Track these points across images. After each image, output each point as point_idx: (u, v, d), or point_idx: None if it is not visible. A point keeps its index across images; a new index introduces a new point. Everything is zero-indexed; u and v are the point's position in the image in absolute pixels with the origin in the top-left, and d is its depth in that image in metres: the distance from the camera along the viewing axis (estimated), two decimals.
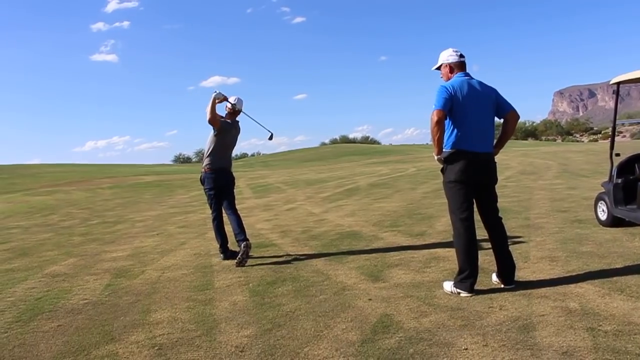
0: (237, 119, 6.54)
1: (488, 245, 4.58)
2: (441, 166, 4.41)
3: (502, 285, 4.33)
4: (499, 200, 4.52)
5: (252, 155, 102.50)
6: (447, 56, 4.43)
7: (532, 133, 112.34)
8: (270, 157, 70.78)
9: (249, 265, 5.96)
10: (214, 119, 6.11)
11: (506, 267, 4.35)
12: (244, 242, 5.99)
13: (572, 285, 4.19)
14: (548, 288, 4.17)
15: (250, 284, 5.11)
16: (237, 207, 6.47)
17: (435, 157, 4.36)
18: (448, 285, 4.34)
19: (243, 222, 6.26)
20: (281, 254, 6.53)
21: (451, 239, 5.79)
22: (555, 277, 4.50)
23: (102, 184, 25.71)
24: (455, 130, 4.21)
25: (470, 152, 4.20)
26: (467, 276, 4.20)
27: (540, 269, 4.82)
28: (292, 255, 6.39)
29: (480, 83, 4.36)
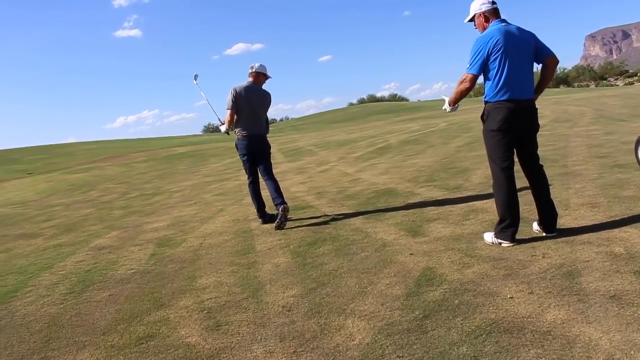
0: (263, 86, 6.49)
1: (528, 194, 4.52)
2: (481, 114, 4.35)
3: (544, 234, 4.29)
4: None
5: (281, 120, 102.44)
6: (480, 5, 4.29)
7: (564, 80, 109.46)
8: (300, 121, 70.84)
9: (287, 228, 6.03)
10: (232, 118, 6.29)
11: (548, 215, 4.31)
12: (282, 206, 6.05)
13: (616, 230, 4.13)
14: (591, 234, 4.12)
15: (291, 246, 5.18)
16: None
17: (448, 107, 4.49)
18: (489, 236, 4.33)
19: (280, 186, 6.30)
20: (319, 214, 6.58)
21: (489, 191, 5.79)
22: (597, 223, 4.44)
23: (136, 158, 26.11)
24: (497, 79, 4.13)
25: (513, 100, 4.14)
26: (507, 225, 4.18)
27: (581, 215, 4.75)
28: (329, 215, 6.43)
29: (519, 28, 4.23)
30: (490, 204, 5.57)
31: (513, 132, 4.21)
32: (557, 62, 4.42)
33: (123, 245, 6.42)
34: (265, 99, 6.40)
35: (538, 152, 4.44)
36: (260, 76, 6.40)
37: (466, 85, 4.23)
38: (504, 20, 4.26)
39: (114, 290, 4.56)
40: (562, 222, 4.53)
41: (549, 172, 6.94)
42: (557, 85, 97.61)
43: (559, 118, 17.60)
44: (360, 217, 6.08)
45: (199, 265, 4.97)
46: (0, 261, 6.63)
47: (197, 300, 3.98)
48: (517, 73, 4.16)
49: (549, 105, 25.77)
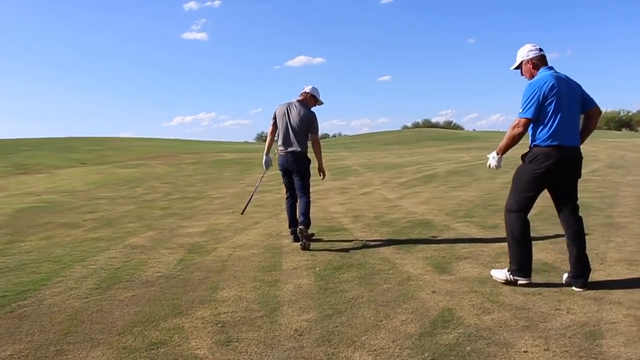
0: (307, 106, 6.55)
1: (562, 241, 4.40)
2: (523, 154, 4.34)
3: (573, 288, 4.16)
4: (580, 194, 4.38)
5: (334, 136, 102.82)
6: (527, 52, 4.33)
7: (627, 123, 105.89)
8: (352, 139, 70.84)
9: (317, 249, 6.03)
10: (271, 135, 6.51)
11: (580, 270, 4.18)
12: (298, 227, 6.10)
13: None
14: (623, 293, 3.96)
15: (317, 268, 5.17)
16: (313, 188, 6.56)
17: (497, 155, 4.42)
18: (500, 273, 4.33)
19: (309, 207, 6.29)
20: (351, 239, 6.56)
21: None
22: (633, 282, 4.26)
23: (185, 159, 26.64)
24: (550, 124, 4.12)
25: (563, 147, 4.14)
26: (525, 264, 4.25)
27: (616, 272, 4.58)
28: (361, 240, 6.40)
29: (568, 77, 4.25)
30: None
31: (555, 178, 4.21)
32: (601, 113, 4.46)
33: (155, 247, 6.55)
34: (304, 118, 6.31)
35: (581, 199, 4.36)
36: (309, 98, 6.46)
37: (519, 130, 4.20)
38: (552, 68, 4.27)
39: (137, 292, 4.65)
40: (595, 276, 4.38)
41: (591, 221, 6.82)
42: (618, 128, 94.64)
43: (614, 164, 17.07)
44: (391, 246, 6.03)
45: (223, 277, 5.02)
46: (40, 248, 6.86)
47: (214, 312, 4.01)
48: (568, 120, 4.16)
49: (607, 149, 25.04)
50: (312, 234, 6.34)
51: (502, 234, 6.33)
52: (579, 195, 4.39)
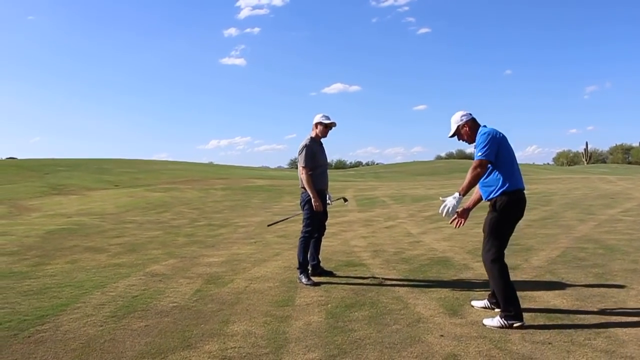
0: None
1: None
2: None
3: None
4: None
5: (367, 164, 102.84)
6: (460, 117, 4.76)
7: None
8: (383, 168, 70.81)
9: (332, 284, 6.06)
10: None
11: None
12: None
13: None
14: (636, 348, 3.87)
15: (329, 305, 5.20)
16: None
17: (459, 196, 4.52)
18: (494, 321, 4.42)
19: (300, 246, 6.39)
20: (367, 275, 6.56)
21: (544, 277, 5.96)
22: None
23: (215, 185, 26.97)
24: (507, 170, 4.52)
25: (523, 189, 4.60)
26: (516, 311, 4.40)
27: (633, 323, 4.48)
28: (377, 278, 6.40)
29: None
30: (541, 293, 5.43)
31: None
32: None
33: (174, 276, 6.66)
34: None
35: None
36: (314, 128, 6.49)
37: (479, 171, 4.48)
38: (485, 126, 4.72)
39: (151, 322, 4.74)
40: (611, 328, 4.30)
41: (615, 265, 6.73)
42: None
43: None
44: (407, 285, 6.02)
45: (236, 310, 5.08)
46: (64, 272, 7.04)
47: (222, 346, 4.07)
48: (517, 165, 4.66)
49: None
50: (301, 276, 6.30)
51: (521, 276, 6.32)
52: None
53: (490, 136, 4.49)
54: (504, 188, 4.49)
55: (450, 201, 4.51)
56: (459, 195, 4.49)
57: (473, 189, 4.67)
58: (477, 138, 4.57)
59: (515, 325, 4.33)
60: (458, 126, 4.75)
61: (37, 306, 5.34)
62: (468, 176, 4.49)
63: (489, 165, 4.52)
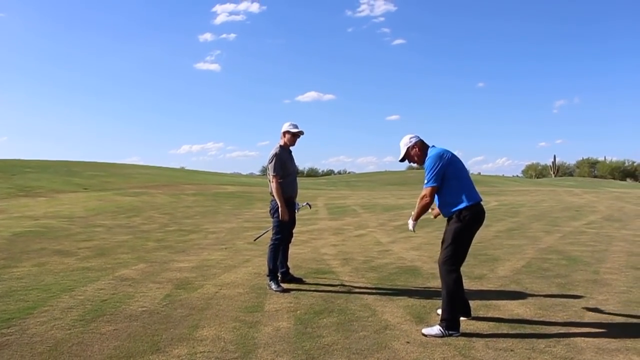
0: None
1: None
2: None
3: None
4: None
5: (339, 172, 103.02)
6: (409, 139, 4.96)
7: (632, 174, 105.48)
8: (355, 177, 71.00)
9: (302, 291, 6.13)
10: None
11: (467, 304, 5.01)
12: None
13: (621, 356, 4.03)
14: (594, 354, 4.02)
15: (298, 311, 5.26)
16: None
17: (412, 224, 5.10)
18: (433, 330, 4.53)
19: (269, 253, 6.41)
20: (336, 283, 6.64)
21: (510, 287, 6.22)
22: (605, 343, 4.31)
23: (187, 190, 26.78)
24: (463, 186, 4.74)
25: (480, 202, 4.79)
26: (457, 319, 4.57)
27: (591, 331, 4.64)
28: (346, 285, 6.49)
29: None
30: (505, 302, 5.57)
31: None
32: None
33: (144, 280, 6.64)
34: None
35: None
36: (282, 137, 6.54)
37: (427, 200, 4.78)
38: (434, 145, 4.94)
39: (120, 326, 4.75)
40: (572, 336, 4.46)
41: (577, 276, 6.94)
42: (623, 178, 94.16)
43: (612, 216, 17.10)
44: (375, 292, 6.12)
45: (205, 315, 5.11)
46: (31, 275, 6.96)
47: (191, 351, 4.10)
48: (471, 180, 4.88)
49: (607, 200, 25.05)
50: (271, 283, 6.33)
51: (487, 286, 6.47)
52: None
53: (435, 161, 4.70)
54: (464, 203, 4.68)
55: (410, 224, 5.14)
56: (414, 221, 5.07)
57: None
58: (426, 161, 4.78)
59: (454, 335, 4.47)
60: (407, 148, 4.94)
61: (2, 309, 5.29)
62: (417, 206, 4.86)
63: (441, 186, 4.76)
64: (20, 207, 17.07)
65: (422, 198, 4.79)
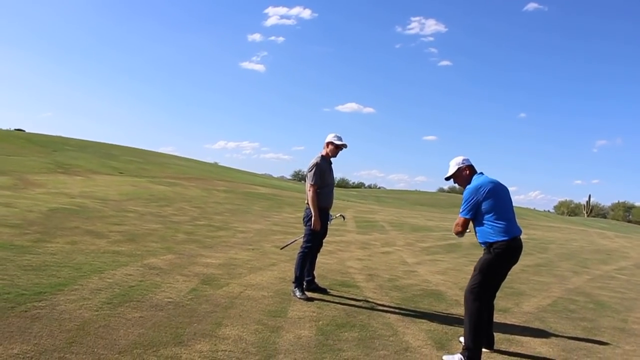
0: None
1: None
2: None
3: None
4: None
5: (369, 186, 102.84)
6: (462, 160, 5.01)
7: None
8: (385, 193, 70.88)
9: (325, 301, 6.15)
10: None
11: (491, 335, 5.04)
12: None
13: None
14: None
15: (320, 322, 5.28)
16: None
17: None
18: (455, 358, 4.54)
19: (297, 260, 6.45)
20: (360, 297, 6.64)
21: (534, 324, 6.13)
22: None
23: (218, 186, 27.05)
24: (503, 218, 4.73)
25: (516, 238, 4.76)
26: (479, 350, 4.57)
27: None
28: (370, 301, 6.48)
29: (498, 181, 4.93)
30: (529, 340, 5.50)
31: (511, 266, 4.86)
32: None
33: (171, 272, 6.75)
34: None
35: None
36: (325, 147, 6.60)
37: (459, 229, 4.93)
38: (482, 173, 4.98)
39: (145, 313, 4.84)
40: None
41: (604, 322, 6.82)
42: None
43: None
44: (398, 312, 6.10)
45: (229, 314, 5.17)
46: (64, 252, 7.14)
47: (213, 348, 4.16)
48: (512, 212, 4.87)
49: None
50: (295, 290, 6.36)
51: (511, 320, 6.39)
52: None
53: (472, 194, 4.75)
54: (498, 237, 4.69)
55: None
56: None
57: None
58: (465, 190, 4.84)
59: None
60: (459, 168, 4.98)
61: (35, 282, 5.44)
62: (453, 230, 5.03)
63: (479, 216, 4.79)
64: (58, 184, 17.47)
65: (455, 225, 4.95)
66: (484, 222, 4.76)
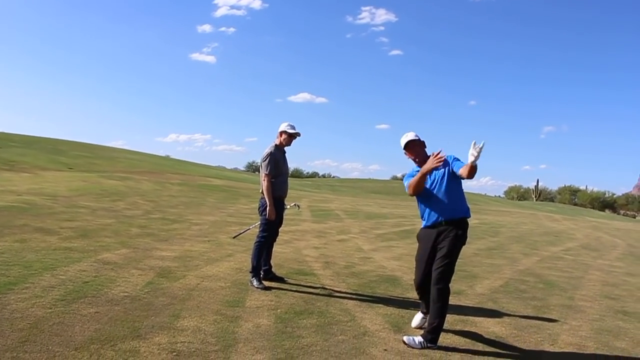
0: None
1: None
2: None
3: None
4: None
5: (323, 175, 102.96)
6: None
7: (610, 205, 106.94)
8: (340, 182, 71.17)
9: (283, 290, 6.18)
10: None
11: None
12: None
13: None
14: None
15: (279, 310, 5.32)
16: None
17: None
18: (415, 341, 4.54)
19: (254, 250, 6.47)
20: (317, 285, 6.70)
21: (487, 305, 6.29)
22: None
23: (172, 179, 26.69)
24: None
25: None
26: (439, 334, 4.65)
27: (564, 356, 4.76)
28: (327, 289, 6.55)
29: None
30: (482, 319, 5.66)
31: None
32: None
33: (126, 266, 6.66)
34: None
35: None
36: (279, 136, 6.60)
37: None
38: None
39: (101, 309, 4.77)
40: (544, 357, 4.56)
41: (553, 300, 7.08)
42: (602, 209, 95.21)
43: (589, 245, 17.33)
44: (355, 298, 6.19)
45: (187, 306, 5.15)
46: (13, 250, 6.94)
47: (171, 340, 4.14)
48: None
49: (585, 229, 25.35)
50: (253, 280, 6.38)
51: (465, 302, 6.57)
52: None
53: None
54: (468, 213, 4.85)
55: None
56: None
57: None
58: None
59: (432, 347, 4.52)
60: (423, 141, 4.92)
61: None
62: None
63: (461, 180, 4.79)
64: (3, 181, 16.92)
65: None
66: (460, 193, 4.90)
